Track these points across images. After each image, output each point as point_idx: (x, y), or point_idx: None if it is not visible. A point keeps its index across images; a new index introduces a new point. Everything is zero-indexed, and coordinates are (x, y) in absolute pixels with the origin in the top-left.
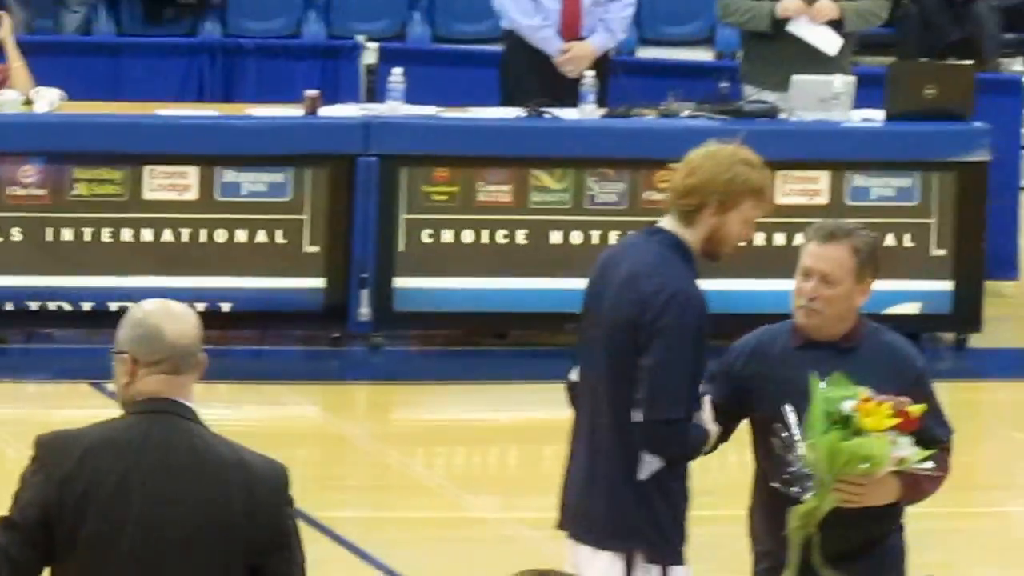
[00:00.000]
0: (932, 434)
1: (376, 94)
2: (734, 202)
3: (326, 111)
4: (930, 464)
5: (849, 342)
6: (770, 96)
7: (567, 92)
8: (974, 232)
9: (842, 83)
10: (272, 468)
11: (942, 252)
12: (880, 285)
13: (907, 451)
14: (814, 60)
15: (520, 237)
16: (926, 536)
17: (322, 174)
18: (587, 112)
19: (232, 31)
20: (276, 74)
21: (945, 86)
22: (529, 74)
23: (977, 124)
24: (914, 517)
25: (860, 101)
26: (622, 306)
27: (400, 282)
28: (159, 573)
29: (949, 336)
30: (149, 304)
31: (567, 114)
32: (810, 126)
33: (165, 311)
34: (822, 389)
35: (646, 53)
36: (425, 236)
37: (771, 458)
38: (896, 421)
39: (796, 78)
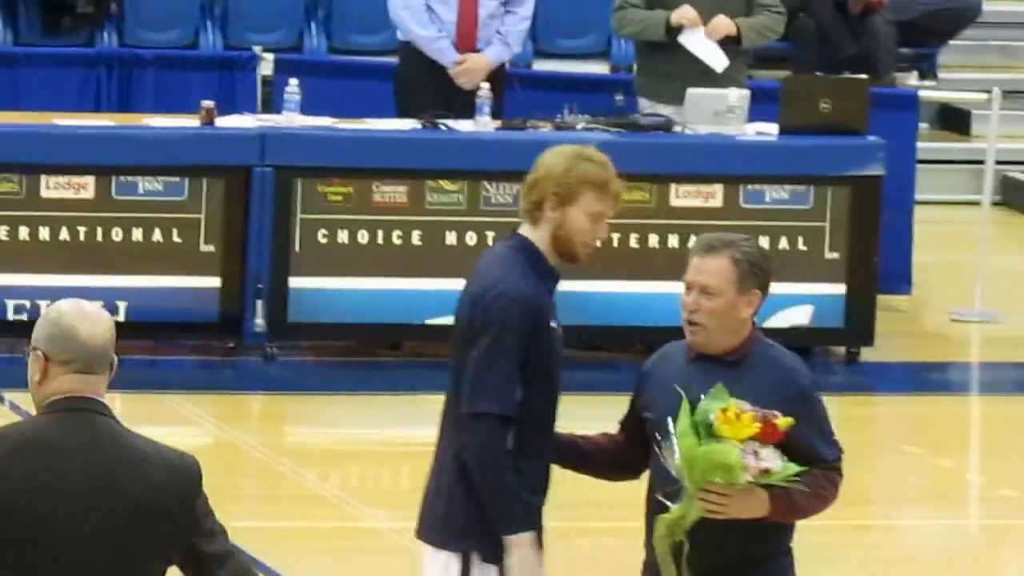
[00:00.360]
0: (816, 452)
1: (272, 105)
2: (572, 195)
3: (222, 122)
4: (804, 481)
5: (736, 355)
6: (665, 110)
7: (462, 104)
8: (868, 246)
9: (737, 97)
10: (187, 460)
11: (835, 255)
12: (773, 288)
13: (772, 463)
14: (709, 74)
15: (415, 238)
16: (817, 550)
17: (218, 185)
18: (482, 124)
19: (129, 41)
20: (173, 85)
21: (840, 100)
22: (424, 86)
23: (872, 139)
24: (805, 531)
25: (755, 115)
26: (461, 308)
27: (295, 282)
28: (95, 569)
29: (841, 350)
30: (65, 304)
31: (462, 126)
32: (705, 139)
33: (79, 311)
34: (701, 400)
35: (542, 66)
36: (320, 237)
37: (657, 470)
38: (755, 429)
39: (691, 91)
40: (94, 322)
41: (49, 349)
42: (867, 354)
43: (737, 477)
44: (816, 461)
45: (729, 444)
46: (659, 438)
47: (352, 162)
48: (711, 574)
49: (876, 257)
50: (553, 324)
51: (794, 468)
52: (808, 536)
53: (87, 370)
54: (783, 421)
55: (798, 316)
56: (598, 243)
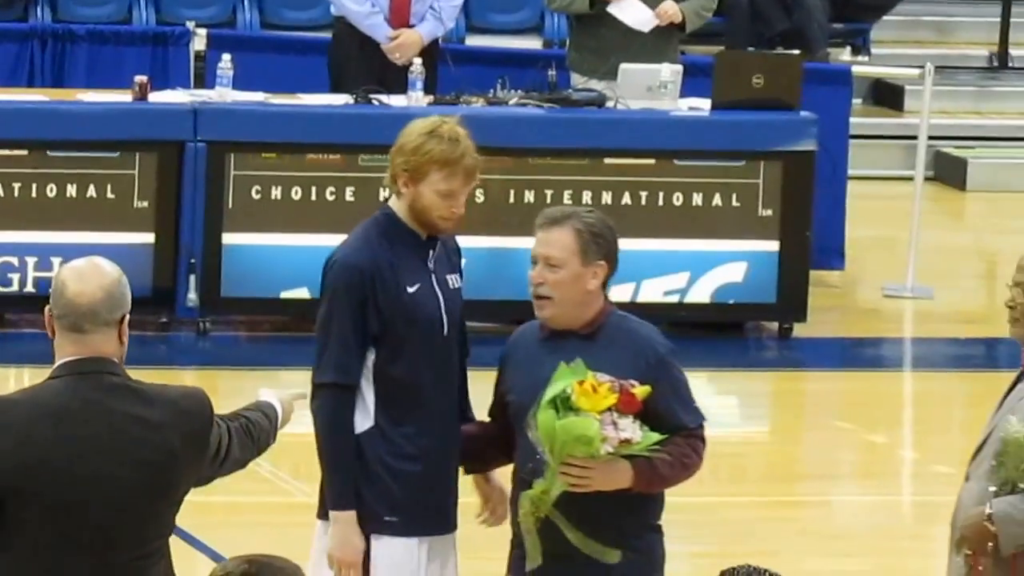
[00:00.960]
0: (678, 420)
1: (205, 81)
2: (421, 174)
3: (155, 97)
4: (666, 449)
5: (590, 328)
6: (598, 85)
7: (395, 79)
8: (801, 222)
9: (670, 72)
10: (195, 398)
11: (768, 212)
12: (707, 246)
13: (632, 433)
14: (642, 50)
15: (348, 195)
16: (749, 525)
17: (150, 160)
18: (415, 99)
19: (63, 17)
20: (106, 60)
21: (772, 76)
22: (358, 61)
23: (804, 114)
24: (737, 507)
25: (687, 90)
26: None
27: (229, 239)
28: (119, 527)
29: (774, 326)
30: (75, 261)
31: (395, 101)
32: (637, 115)
33: (74, 269)
34: (560, 375)
35: (475, 41)
36: (253, 193)
37: (522, 449)
38: (613, 400)
39: (624, 67)
40: (86, 280)
41: (51, 303)
42: (800, 330)
43: (596, 449)
44: (678, 429)
45: (588, 416)
46: (520, 417)
47: (285, 137)
48: (576, 551)
49: (809, 232)
50: (410, 288)
51: (655, 437)
52: (740, 512)
53: (77, 328)
54: (640, 390)
55: (732, 273)
56: (460, 211)
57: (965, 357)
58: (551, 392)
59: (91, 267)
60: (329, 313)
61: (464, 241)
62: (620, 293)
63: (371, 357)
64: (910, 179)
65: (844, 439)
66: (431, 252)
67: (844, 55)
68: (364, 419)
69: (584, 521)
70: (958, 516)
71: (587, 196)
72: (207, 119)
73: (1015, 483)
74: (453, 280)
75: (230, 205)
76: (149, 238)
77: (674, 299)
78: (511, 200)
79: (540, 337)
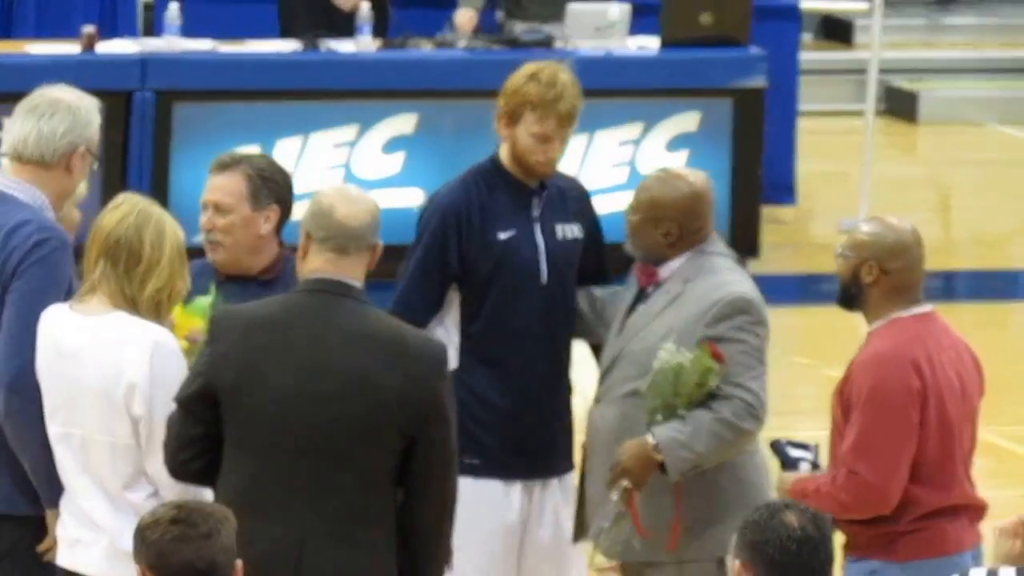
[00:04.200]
0: None
1: (154, 30)
2: (516, 116)
3: (103, 47)
4: None
5: (270, 275)
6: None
7: (345, 24)
8: (751, 158)
9: (618, 11)
10: (429, 345)
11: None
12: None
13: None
14: None
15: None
16: None
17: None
18: (363, 44)
19: None
20: (54, 11)
21: (721, 13)
22: (306, 7)
23: (753, 50)
24: None
25: (636, 29)
26: None
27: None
28: (317, 443)
29: None
30: (330, 187)
31: (343, 47)
32: (586, 55)
33: (341, 193)
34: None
35: None
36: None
37: None
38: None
39: (572, 7)
40: (353, 203)
41: (309, 227)
42: (754, 266)
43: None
44: None
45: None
46: None
47: (234, 84)
48: None
49: (760, 169)
50: (503, 234)
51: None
52: None
53: (340, 250)
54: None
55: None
56: (556, 155)
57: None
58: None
59: (355, 193)
60: (412, 249)
61: None
62: None
63: (456, 298)
64: (861, 113)
65: (802, 374)
66: (536, 199)
67: None
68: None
69: None
70: (595, 441)
71: None
72: (155, 68)
73: (674, 409)
74: (567, 230)
75: (178, 154)
76: (95, 188)
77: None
78: (466, 143)
79: (217, 280)
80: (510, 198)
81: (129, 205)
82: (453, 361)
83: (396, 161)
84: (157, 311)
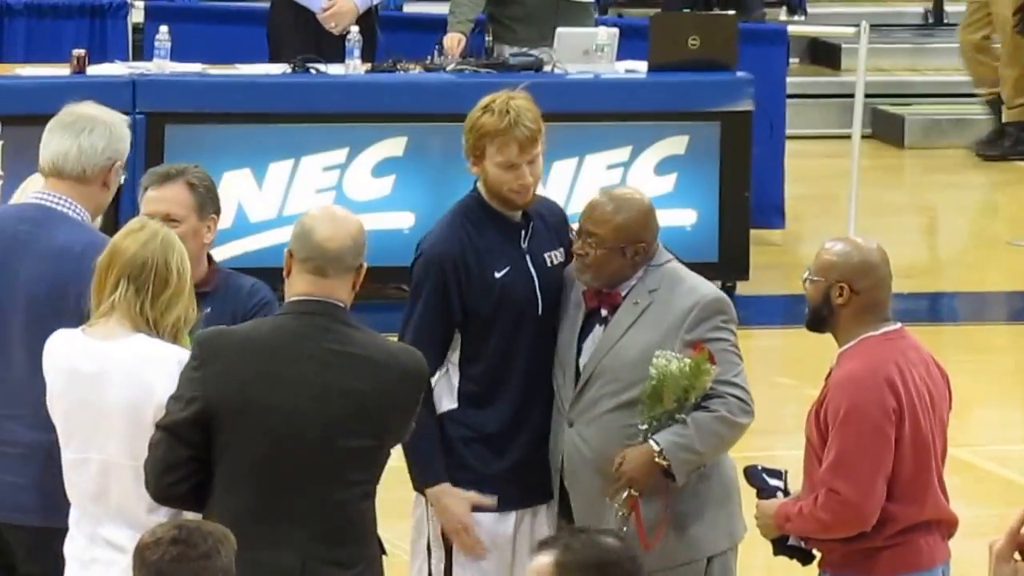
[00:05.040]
0: None
1: (144, 53)
2: (479, 150)
3: (94, 70)
4: None
5: (207, 286)
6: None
7: (333, 48)
8: (739, 181)
9: (606, 35)
10: (415, 359)
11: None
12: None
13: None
14: (565, 14)
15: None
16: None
17: None
18: (352, 68)
19: None
20: (44, 34)
21: (708, 37)
22: (295, 30)
23: (741, 74)
24: None
25: (624, 53)
26: None
27: None
28: (317, 464)
29: (716, 284)
30: (318, 208)
31: (332, 70)
32: (575, 78)
33: (325, 214)
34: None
35: (413, 8)
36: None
37: None
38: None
39: (561, 30)
40: (335, 225)
41: (293, 246)
42: (742, 287)
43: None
44: None
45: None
46: None
47: (223, 107)
48: None
49: (748, 192)
50: (498, 273)
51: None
52: None
53: (319, 271)
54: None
55: (674, 232)
56: (527, 182)
57: (905, 311)
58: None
59: (339, 214)
60: (411, 304)
61: None
62: None
63: (457, 339)
64: (848, 137)
65: (787, 394)
66: (524, 232)
67: (780, 15)
68: (448, 400)
69: None
70: (576, 463)
71: None
72: (145, 91)
73: (674, 414)
74: (553, 256)
75: None
76: None
77: None
78: (455, 166)
79: None
80: (499, 234)
81: (151, 230)
82: (452, 402)
83: (386, 184)
84: (175, 337)
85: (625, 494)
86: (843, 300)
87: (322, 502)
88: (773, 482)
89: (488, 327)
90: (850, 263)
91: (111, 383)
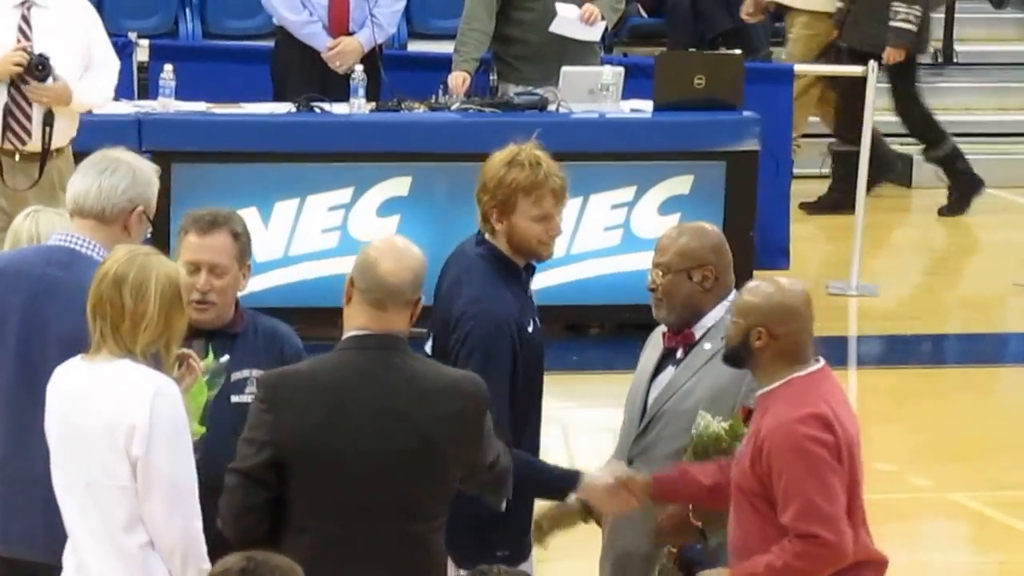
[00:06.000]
0: None
1: (149, 91)
2: (510, 206)
3: (98, 109)
4: None
5: (237, 327)
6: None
7: (338, 87)
8: (745, 221)
9: (611, 74)
10: (476, 383)
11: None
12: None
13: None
14: (573, 52)
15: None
16: None
17: None
18: (357, 106)
19: None
20: None
21: (715, 76)
22: (299, 69)
23: (747, 113)
24: None
25: (629, 92)
26: (440, 318)
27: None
28: (392, 499)
29: None
30: (382, 238)
31: (337, 109)
32: (580, 117)
33: (388, 246)
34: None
35: (417, 47)
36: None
37: None
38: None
39: (566, 69)
40: (398, 260)
41: (354, 274)
42: None
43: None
44: None
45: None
46: None
47: (228, 146)
48: None
49: (753, 232)
50: (529, 327)
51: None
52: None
53: (378, 304)
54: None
55: None
56: (559, 231)
57: (909, 353)
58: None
59: (402, 247)
60: (486, 370)
61: None
62: (575, 296)
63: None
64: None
65: None
66: (527, 277)
67: (786, 54)
68: None
69: None
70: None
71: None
72: (151, 129)
73: None
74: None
75: (177, 214)
76: None
77: (623, 301)
78: (460, 205)
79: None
80: (519, 287)
81: (111, 261)
82: None
83: (391, 223)
84: (158, 361)
85: (668, 550)
86: (762, 344)
87: (399, 537)
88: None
89: (518, 377)
90: (770, 307)
91: (91, 403)
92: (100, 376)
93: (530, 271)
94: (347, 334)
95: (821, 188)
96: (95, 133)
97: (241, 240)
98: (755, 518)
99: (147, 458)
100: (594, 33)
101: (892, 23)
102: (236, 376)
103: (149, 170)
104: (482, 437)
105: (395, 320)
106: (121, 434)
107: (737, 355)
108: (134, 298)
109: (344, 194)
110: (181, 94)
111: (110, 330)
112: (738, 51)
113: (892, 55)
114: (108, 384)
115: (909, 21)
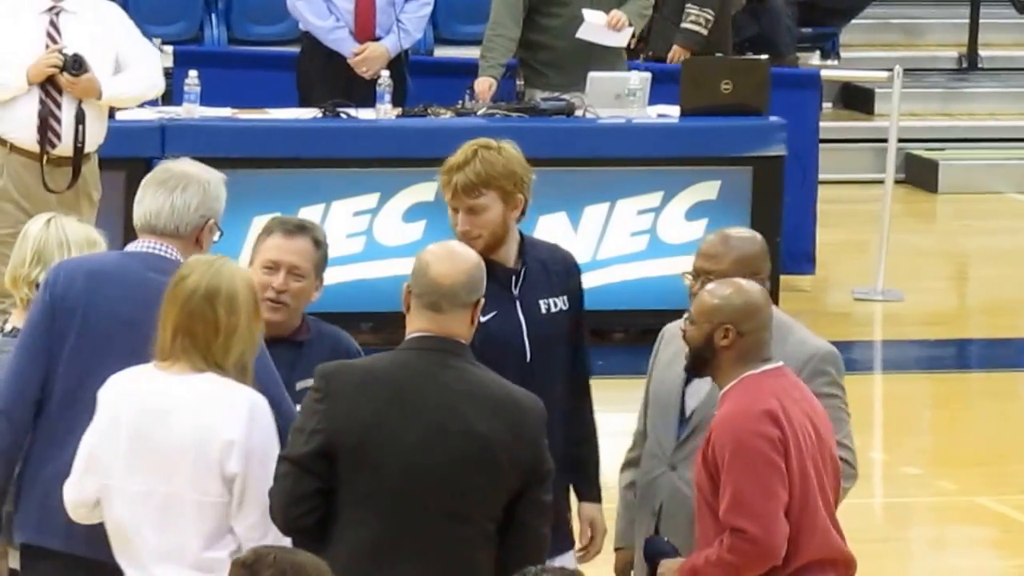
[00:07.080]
0: None
1: (173, 97)
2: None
3: (123, 114)
4: None
5: (302, 336)
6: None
7: (363, 93)
8: (770, 227)
9: (638, 80)
10: (535, 401)
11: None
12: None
13: None
14: (600, 57)
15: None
16: None
17: (118, 177)
18: (383, 112)
19: None
20: None
21: (741, 81)
22: (325, 75)
23: (773, 119)
24: None
25: (656, 97)
26: None
27: None
28: (440, 502)
29: None
30: (436, 243)
31: (363, 114)
32: (606, 123)
33: (441, 250)
34: None
35: (443, 52)
36: None
37: None
38: None
39: (592, 75)
40: (452, 262)
41: (411, 281)
42: None
43: None
44: None
45: None
46: None
47: (253, 152)
48: None
49: (778, 238)
50: (483, 317)
51: None
52: None
53: (434, 307)
54: None
55: None
56: (464, 229)
57: (935, 359)
58: None
59: (456, 250)
60: None
61: None
62: (600, 301)
63: None
64: (881, 182)
65: None
66: (515, 278)
67: (813, 59)
68: None
69: None
70: (674, 506)
71: (558, 205)
72: (175, 135)
73: None
74: (551, 303)
75: None
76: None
77: (649, 306)
78: None
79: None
80: (490, 279)
81: (197, 275)
82: None
83: (417, 229)
84: (244, 372)
85: None
86: (728, 342)
87: (445, 540)
88: (670, 547)
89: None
90: (735, 305)
91: (179, 418)
92: (185, 389)
93: (519, 268)
94: (408, 335)
95: (847, 193)
96: (119, 139)
97: (322, 249)
98: (710, 513)
99: (246, 473)
100: (621, 39)
101: (683, 24)
102: (300, 385)
103: (218, 181)
104: (538, 445)
105: (453, 323)
106: (215, 449)
107: (701, 357)
108: (227, 311)
109: (370, 200)
110: (206, 100)
111: (201, 345)
112: (764, 56)
113: (677, 54)
114: (197, 398)
115: (699, 23)
